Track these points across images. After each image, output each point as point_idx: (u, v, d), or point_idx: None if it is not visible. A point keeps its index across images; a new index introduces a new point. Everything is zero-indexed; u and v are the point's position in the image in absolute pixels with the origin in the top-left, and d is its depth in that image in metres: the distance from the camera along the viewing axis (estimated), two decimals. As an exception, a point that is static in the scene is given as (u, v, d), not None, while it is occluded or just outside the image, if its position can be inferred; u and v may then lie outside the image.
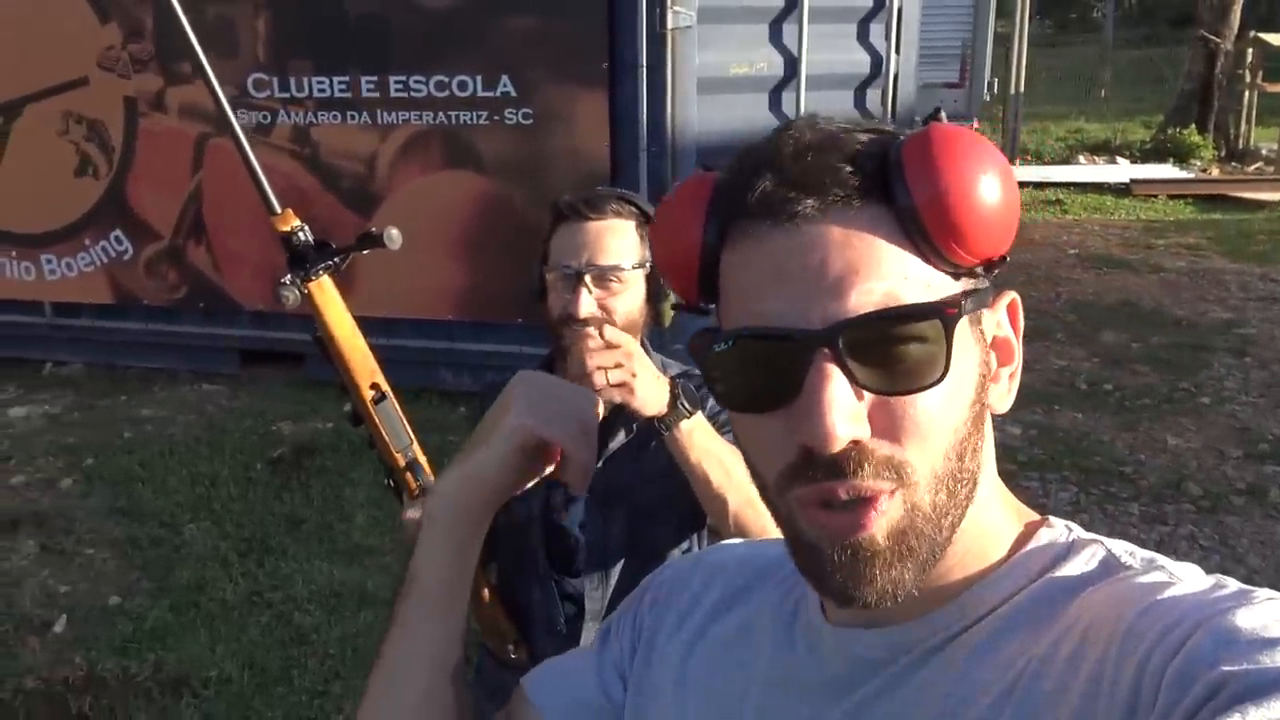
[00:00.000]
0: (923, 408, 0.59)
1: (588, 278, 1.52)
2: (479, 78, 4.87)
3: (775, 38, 4.89)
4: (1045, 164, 13.06)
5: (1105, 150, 13.81)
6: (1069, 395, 5.52)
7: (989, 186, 0.59)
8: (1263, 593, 0.55)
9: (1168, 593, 0.57)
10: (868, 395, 0.58)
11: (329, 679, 3.29)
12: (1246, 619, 0.52)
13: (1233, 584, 0.57)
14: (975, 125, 10.77)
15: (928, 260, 0.60)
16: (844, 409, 0.57)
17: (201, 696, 3.21)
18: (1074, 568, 0.63)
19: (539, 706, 0.83)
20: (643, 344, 1.67)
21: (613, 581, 1.61)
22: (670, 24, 4.51)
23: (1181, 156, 13.00)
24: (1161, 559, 0.62)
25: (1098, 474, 4.58)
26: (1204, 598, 0.56)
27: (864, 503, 0.59)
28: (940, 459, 0.60)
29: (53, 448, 5.01)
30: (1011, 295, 0.67)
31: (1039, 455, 4.75)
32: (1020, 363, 0.67)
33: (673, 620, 0.81)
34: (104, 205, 5.68)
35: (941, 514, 0.60)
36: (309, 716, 3.14)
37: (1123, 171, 12.10)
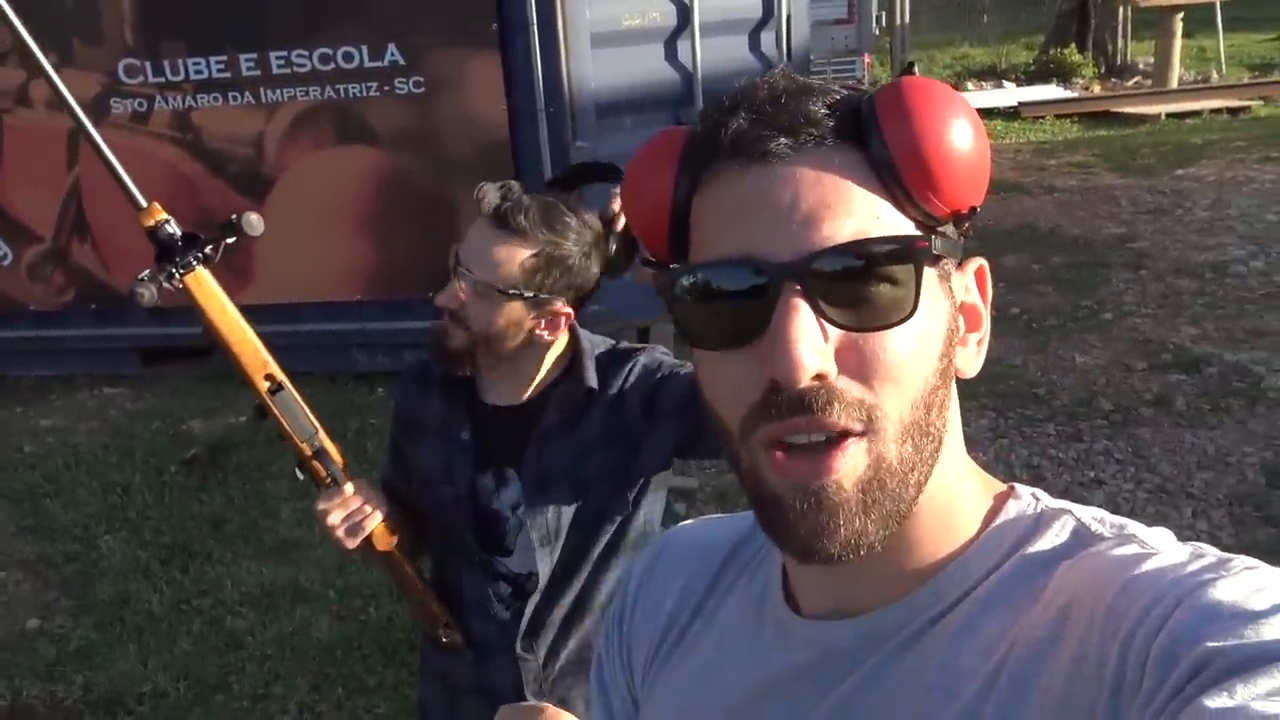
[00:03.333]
0: (892, 349, 0.58)
1: (460, 275, 1.49)
2: (364, 48, 4.70)
3: (665, -14, 4.82)
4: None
5: (991, 75, 14.06)
6: (979, 322, 5.62)
7: (962, 134, 0.59)
8: (1239, 560, 0.55)
9: (1145, 566, 0.57)
10: (836, 334, 0.57)
11: (269, 681, 3.21)
12: (1227, 591, 0.52)
13: (1210, 552, 0.57)
14: (868, 60, 10.85)
15: (900, 207, 0.59)
16: (811, 342, 0.56)
17: (137, 714, 3.11)
18: (1045, 541, 0.62)
19: None
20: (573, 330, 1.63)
21: (554, 559, 1.59)
22: (557, -21, 4.41)
23: (1064, 76, 13.32)
24: (1132, 525, 0.62)
25: (1013, 397, 4.69)
26: (1182, 570, 0.55)
27: (829, 445, 0.57)
28: (909, 407, 0.59)
29: (-53, 469, 4.77)
30: (980, 262, 0.66)
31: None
32: (988, 330, 0.66)
33: (647, 652, 0.79)
34: (-25, 210, 5.36)
35: (908, 468, 0.59)
36: (253, 722, 3.07)
37: (1010, 95, 12.35)
